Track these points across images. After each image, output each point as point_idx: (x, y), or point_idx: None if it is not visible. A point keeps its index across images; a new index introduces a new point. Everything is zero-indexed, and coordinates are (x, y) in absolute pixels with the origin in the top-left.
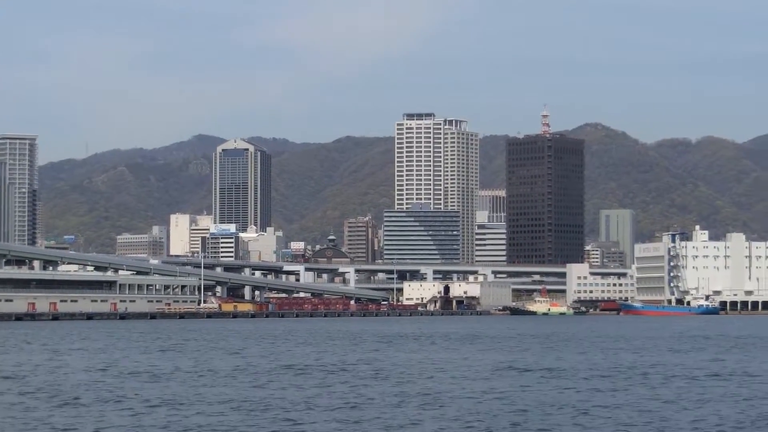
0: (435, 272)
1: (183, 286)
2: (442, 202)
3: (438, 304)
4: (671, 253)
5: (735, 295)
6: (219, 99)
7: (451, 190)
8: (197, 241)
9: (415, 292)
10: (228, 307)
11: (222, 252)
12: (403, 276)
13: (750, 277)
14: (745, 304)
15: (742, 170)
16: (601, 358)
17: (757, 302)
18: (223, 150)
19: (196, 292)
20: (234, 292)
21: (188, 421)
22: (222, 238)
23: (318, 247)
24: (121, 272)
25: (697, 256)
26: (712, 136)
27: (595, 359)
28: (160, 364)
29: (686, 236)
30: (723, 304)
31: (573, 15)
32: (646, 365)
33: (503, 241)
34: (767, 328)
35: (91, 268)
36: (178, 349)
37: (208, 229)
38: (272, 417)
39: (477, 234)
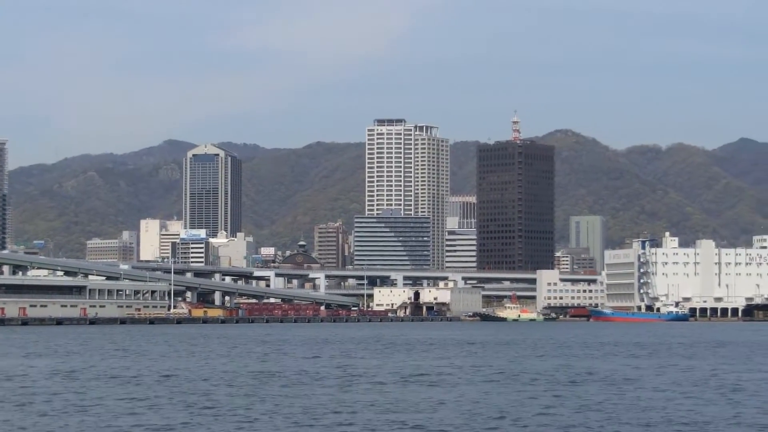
0: (405, 278)
1: (153, 292)
2: (412, 208)
3: (408, 310)
4: (641, 260)
5: (704, 301)
6: (189, 104)
7: (422, 196)
8: (167, 246)
9: (385, 297)
10: (198, 313)
11: (192, 257)
12: (373, 282)
13: (719, 284)
14: (714, 310)
15: (712, 177)
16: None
17: (726, 309)
18: (193, 155)
19: (166, 298)
20: (204, 298)
21: None
22: (192, 243)
23: (288, 252)
24: (90, 277)
25: (666, 263)
26: (682, 143)
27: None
28: None
29: (656, 243)
30: (692, 310)
31: (544, 20)
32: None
33: (473, 247)
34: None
35: (61, 273)
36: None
37: (178, 235)
38: None
39: (447, 240)
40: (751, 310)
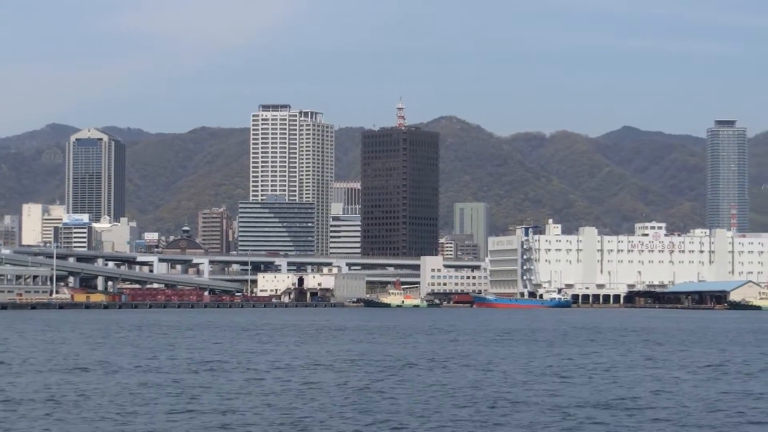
0: (289, 264)
1: (35, 277)
2: (297, 193)
3: (292, 296)
4: (524, 247)
5: (587, 288)
6: (72, 88)
7: (306, 182)
8: (50, 230)
9: (269, 283)
10: (81, 298)
11: (75, 242)
12: (257, 267)
13: (602, 271)
14: (596, 297)
15: (595, 165)
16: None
17: (608, 295)
18: (76, 139)
19: (49, 283)
20: (87, 283)
21: None
22: (75, 228)
23: (172, 238)
24: None
25: (549, 250)
26: (565, 130)
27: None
28: None
29: (539, 230)
30: (575, 297)
31: (429, 7)
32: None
33: (358, 234)
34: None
35: None
36: None
37: (61, 219)
38: None
39: (332, 226)
40: (632, 297)
